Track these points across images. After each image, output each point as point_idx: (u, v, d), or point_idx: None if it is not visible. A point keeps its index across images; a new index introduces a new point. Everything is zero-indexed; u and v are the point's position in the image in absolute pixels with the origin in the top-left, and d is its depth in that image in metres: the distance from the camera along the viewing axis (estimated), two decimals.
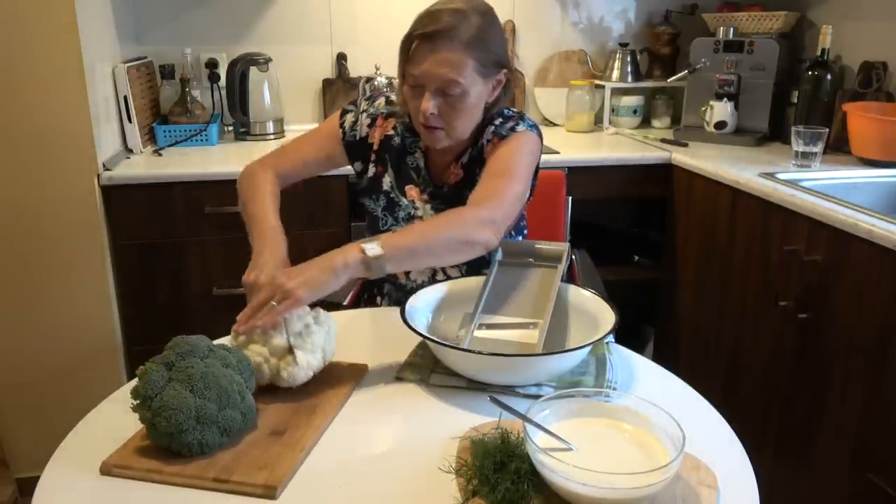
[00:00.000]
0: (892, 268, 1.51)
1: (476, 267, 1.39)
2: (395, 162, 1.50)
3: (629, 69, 2.68)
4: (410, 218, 1.48)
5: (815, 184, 1.89)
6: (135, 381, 0.97)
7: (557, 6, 2.73)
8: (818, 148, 2.03)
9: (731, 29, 2.46)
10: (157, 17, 2.50)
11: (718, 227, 2.11)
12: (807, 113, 2.22)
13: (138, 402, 0.94)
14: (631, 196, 2.46)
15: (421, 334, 1.11)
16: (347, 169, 1.56)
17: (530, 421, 0.89)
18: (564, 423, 0.93)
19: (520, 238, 1.53)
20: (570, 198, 1.96)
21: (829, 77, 2.19)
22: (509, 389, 1.09)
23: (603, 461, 0.85)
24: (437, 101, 1.32)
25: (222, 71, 2.46)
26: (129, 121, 2.20)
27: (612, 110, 2.73)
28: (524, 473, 0.85)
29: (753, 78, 2.40)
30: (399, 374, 1.16)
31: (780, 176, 1.96)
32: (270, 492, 0.88)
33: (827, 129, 2.07)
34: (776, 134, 2.42)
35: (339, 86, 2.62)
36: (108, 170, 2.00)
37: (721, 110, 2.41)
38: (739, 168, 2.05)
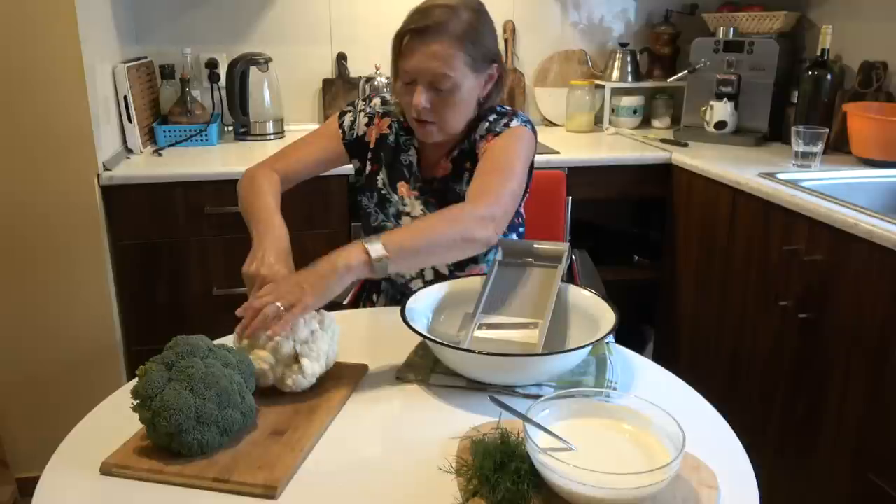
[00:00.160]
0: (892, 268, 1.51)
1: (461, 263, 1.41)
2: (389, 160, 1.51)
3: (629, 69, 2.68)
4: (400, 214, 1.50)
5: (815, 184, 1.89)
6: (135, 381, 0.97)
7: (557, 6, 2.73)
8: (818, 148, 2.03)
9: (731, 29, 2.46)
10: (157, 17, 2.50)
11: (718, 227, 2.11)
12: (807, 113, 2.22)
13: (138, 401, 0.94)
14: (631, 196, 2.46)
15: (421, 334, 1.11)
16: (347, 169, 1.57)
17: (530, 421, 0.89)
18: (564, 423, 0.93)
19: (514, 236, 1.54)
20: (570, 198, 1.96)
21: (829, 77, 2.19)
22: (509, 389, 1.10)
23: (603, 461, 0.85)
24: (428, 95, 1.34)
25: (222, 71, 2.46)
26: (129, 121, 2.20)
27: (612, 110, 2.73)
28: (524, 473, 0.85)
29: (753, 78, 2.39)
30: (399, 374, 1.16)
31: (780, 176, 1.96)
32: (270, 492, 0.88)
33: (827, 129, 2.07)
34: (776, 134, 2.42)
35: (339, 86, 2.62)
36: (108, 170, 2.00)
37: (721, 110, 2.41)
38: (739, 168, 2.05)
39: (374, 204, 1.53)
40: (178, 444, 0.92)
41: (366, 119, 1.52)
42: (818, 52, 2.19)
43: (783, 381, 1.86)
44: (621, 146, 2.45)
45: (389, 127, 1.51)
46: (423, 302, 1.24)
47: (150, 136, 2.36)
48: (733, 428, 1.03)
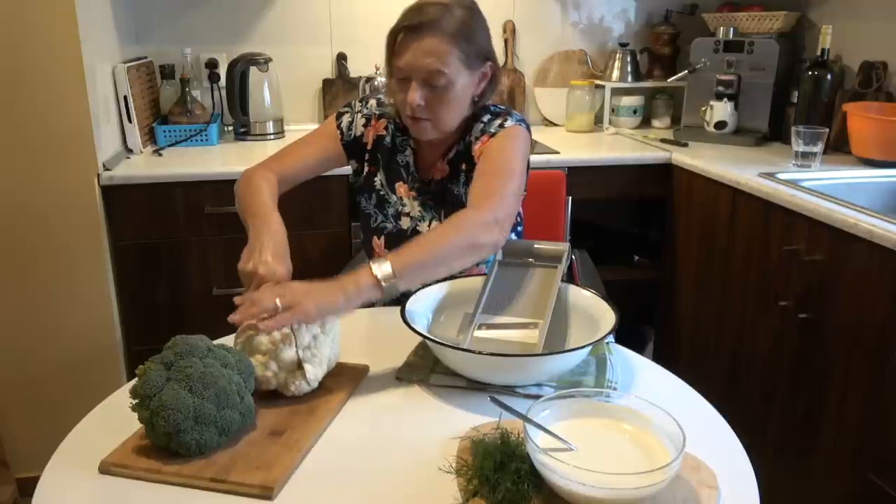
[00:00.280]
0: (892, 268, 1.51)
1: None
2: (386, 161, 1.51)
3: (629, 69, 2.68)
4: (399, 214, 1.50)
5: (815, 184, 1.89)
6: (135, 381, 0.97)
7: (557, 6, 2.73)
8: (818, 148, 2.03)
9: (731, 29, 2.46)
10: (157, 17, 2.50)
11: (718, 227, 2.11)
12: (807, 113, 2.22)
13: (137, 401, 0.94)
14: (631, 196, 2.46)
15: (421, 334, 1.11)
16: (347, 169, 1.57)
17: (530, 421, 0.89)
18: (564, 423, 0.93)
19: (513, 236, 1.54)
20: (570, 198, 1.96)
21: (829, 77, 2.19)
22: (509, 389, 1.09)
23: (603, 461, 0.85)
24: (423, 92, 1.34)
25: (222, 71, 2.46)
26: (129, 121, 2.20)
27: (612, 110, 2.73)
28: (524, 473, 0.85)
29: (753, 78, 2.39)
30: (399, 374, 1.16)
31: (780, 176, 1.96)
32: (267, 492, 0.88)
33: (827, 129, 2.07)
34: (776, 134, 2.42)
35: (339, 86, 2.62)
36: (108, 170, 2.00)
37: (721, 110, 2.41)
38: (739, 168, 2.05)
39: (372, 205, 1.53)
40: (177, 444, 0.92)
41: (363, 120, 1.52)
42: (818, 52, 2.19)
43: (783, 381, 1.86)
44: (621, 146, 2.45)
45: (386, 128, 1.51)
46: (423, 302, 1.24)
47: (150, 136, 2.36)
48: (733, 428, 1.03)
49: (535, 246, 1.33)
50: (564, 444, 0.88)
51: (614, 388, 1.10)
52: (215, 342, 1.06)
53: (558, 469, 0.81)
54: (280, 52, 2.55)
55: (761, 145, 2.39)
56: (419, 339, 1.15)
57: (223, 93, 2.46)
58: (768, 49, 2.35)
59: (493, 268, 1.31)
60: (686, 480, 0.88)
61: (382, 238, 1.52)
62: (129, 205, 2.04)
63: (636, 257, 2.55)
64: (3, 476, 2.07)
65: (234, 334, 1.11)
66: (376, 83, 2.47)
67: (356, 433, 1.02)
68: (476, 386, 1.11)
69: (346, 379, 1.13)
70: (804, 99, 2.23)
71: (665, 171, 2.33)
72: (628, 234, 2.70)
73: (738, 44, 2.41)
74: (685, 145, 2.39)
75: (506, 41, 2.71)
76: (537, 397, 0.99)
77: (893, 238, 1.49)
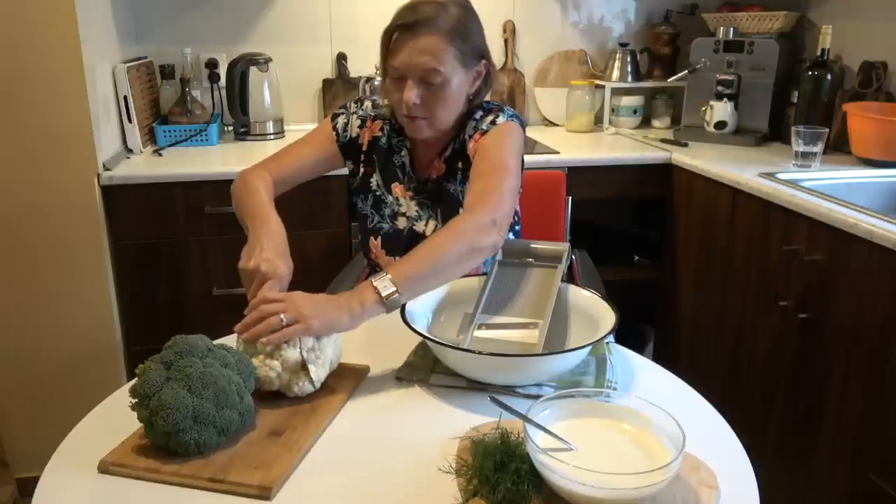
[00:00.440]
0: (892, 268, 1.51)
1: None
2: (382, 162, 1.51)
3: (629, 69, 2.68)
4: (395, 215, 1.50)
5: (815, 184, 1.89)
6: (134, 381, 0.97)
7: (557, 6, 2.73)
8: (818, 148, 2.03)
9: (731, 29, 2.46)
10: (157, 17, 2.50)
11: (718, 227, 2.11)
12: (807, 113, 2.22)
13: (136, 400, 0.94)
14: (631, 196, 2.46)
15: (421, 334, 1.11)
16: (347, 169, 1.56)
17: (530, 421, 0.89)
18: (564, 423, 0.93)
19: (511, 236, 1.54)
20: (570, 198, 1.96)
21: (829, 77, 2.19)
22: (509, 389, 1.09)
23: (603, 461, 0.85)
24: (419, 90, 1.34)
25: (222, 71, 2.46)
26: (129, 121, 2.20)
27: (612, 110, 2.73)
28: (524, 473, 0.85)
29: (753, 78, 2.39)
30: (399, 374, 1.16)
31: (780, 176, 1.96)
32: (265, 492, 0.88)
33: (827, 129, 2.07)
34: (776, 134, 2.42)
35: (339, 86, 2.62)
36: (108, 170, 2.00)
37: (721, 110, 2.41)
38: (739, 168, 2.05)
39: (369, 206, 1.53)
40: (175, 444, 0.92)
41: (358, 122, 1.52)
42: (818, 52, 2.19)
43: (783, 381, 1.86)
44: (621, 146, 2.45)
45: (381, 129, 1.52)
46: (423, 302, 1.23)
47: (150, 136, 2.36)
48: (733, 428, 1.03)
49: (535, 246, 1.32)
50: (564, 444, 0.88)
51: (614, 388, 1.10)
52: (215, 342, 1.06)
53: (558, 469, 0.81)
54: (280, 52, 2.55)
55: (761, 145, 2.39)
56: (419, 339, 1.15)
57: (223, 93, 2.46)
58: (768, 49, 2.35)
59: (493, 268, 1.31)
60: (686, 480, 0.88)
61: (379, 239, 1.52)
62: (129, 205, 2.04)
63: (636, 257, 2.55)
64: (3, 476, 2.07)
65: (236, 334, 1.11)
66: (376, 83, 2.47)
67: (356, 433, 1.02)
68: (476, 386, 1.11)
69: (347, 379, 1.13)
70: (804, 99, 2.23)
71: (665, 171, 2.33)
72: (628, 234, 2.70)
73: (738, 44, 2.41)
74: (685, 145, 2.39)
75: (506, 41, 2.71)
76: (537, 397, 0.99)
77: (893, 238, 1.49)
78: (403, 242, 1.49)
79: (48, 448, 0.99)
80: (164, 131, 2.34)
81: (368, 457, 0.97)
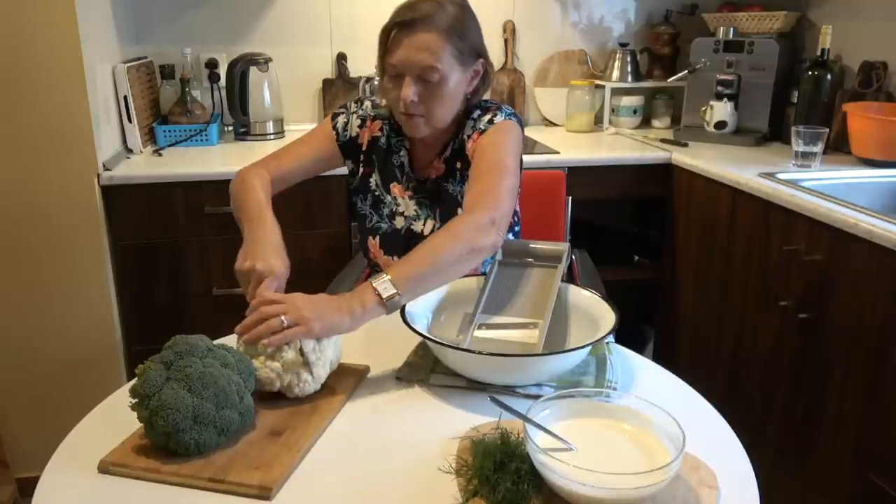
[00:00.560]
0: (892, 268, 1.51)
1: None
2: (381, 162, 1.52)
3: (629, 69, 2.68)
4: (394, 215, 1.51)
5: (815, 184, 1.89)
6: (135, 380, 0.97)
7: (557, 6, 2.73)
8: (818, 148, 2.03)
9: (731, 29, 2.46)
10: (157, 17, 2.50)
11: (718, 227, 2.11)
12: (807, 113, 2.22)
13: (136, 400, 0.94)
14: (631, 196, 2.46)
15: (421, 334, 1.11)
16: (347, 169, 1.57)
17: (530, 421, 0.89)
18: (564, 423, 0.93)
19: (511, 236, 1.54)
20: (570, 198, 1.96)
21: (829, 77, 2.19)
22: (509, 389, 1.09)
23: (603, 461, 0.85)
24: (416, 88, 1.34)
25: (222, 71, 2.46)
26: (129, 121, 2.20)
27: (612, 110, 2.73)
28: (524, 473, 0.85)
29: (753, 78, 2.39)
30: (399, 374, 1.16)
31: (780, 176, 1.96)
32: (265, 493, 0.88)
33: (827, 129, 2.07)
34: (776, 134, 2.41)
35: (339, 86, 2.62)
36: (108, 170, 2.00)
37: (721, 110, 2.41)
38: (739, 168, 2.05)
39: (368, 206, 1.53)
40: (175, 444, 0.92)
41: (358, 121, 1.53)
42: (818, 52, 2.19)
43: (783, 381, 1.86)
44: (621, 146, 2.45)
45: (381, 129, 1.52)
46: (423, 302, 1.23)
47: (150, 136, 2.36)
48: (733, 428, 1.03)
49: (535, 246, 1.32)
50: (564, 444, 0.88)
51: (614, 388, 1.10)
52: (215, 342, 1.06)
53: (558, 469, 0.81)
54: (280, 52, 2.55)
55: (761, 145, 2.39)
56: (419, 339, 1.15)
57: (223, 93, 2.46)
58: (768, 49, 2.35)
59: (493, 268, 1.31)
60: (686, 480, 0.88)
61: (377, 238, 1.52)
62: (129, 205, 2.04)
63: (636, 257, 2.55)
64: (3, 476, 2.07)
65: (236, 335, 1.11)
66: (376, 83, 2.47)
67: (356, 433, 1.02)
68: (476, 386, 1.11)
69: (347, 379, 1.13)
70: (804, 99, 2.23)
71: (665, 171, 2.33)
72: (628, 234, 2.70)
73: (738, 44, 2.41)
74: (685, 145, 2.39)
75: (506, 41, 2.71)
76: (537, 397, 0.99)
77: (893, 238, 1.49)
78: (401, 242, 1.49)
79: (48, 448, 0.99)
80: (164, 131, 2.34)
81: (368, 457, 0.97)
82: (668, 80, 2.61)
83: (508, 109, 1.45)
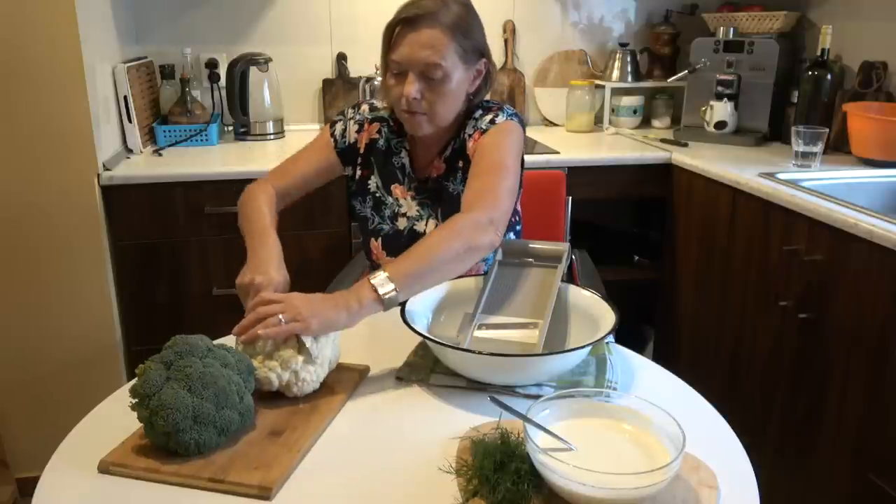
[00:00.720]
0: (892, 268, 1.51)
1: None
2: (380, 164, 1.52)
3: (629, 69, 2.68)
4: (396, 216, 1.51)
5: (815, 184, 1.89)
6: (135, 381, 0.97)
7: (557, 6, 2.73)
8: (818, 148, 2.03)
9: (731, 29, 2.46)
10: (157, 17, 2.50)
11: (718, 227, 2.11)
12: (807, 113, 2.22)
13: (136, 400, 0.94)
14: (631, 196, 2.46)
15: (421, 334, 1.11)
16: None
17: (530, 421, 0.88)
18: (564, 423, 0.92)
19: (511, 235, 1.54)
20: (570, 198, 1.96)
21: (829, 77, 2.19)
22: (509, 389, 1.09)
23: (603, 461, 0.85)
24: (419, 85, 1.34)
25: (222, 71, 2.46)
26: (129, 121, 2.20)
27: (612, 110, 2.73)
28: (524, 473, 0.85)
29: (753, 78, 2.39)
30: (399, 374, 1.16)
31: (780, 176, 1.96)
32: (265, 493, 0.88)
33: (827, 129, 2.07)
34: (776, 134, 2.42)
35: (339, 86, 2.62)
36: (108, 170, 2.00)
37: (721, 110, 2.41)
38: (739, 168, 2.05)
39: (369, 208, 1.53)
40: (175, 444, 0.92)
41: (356, 126, 1.53)
42: (818, 52, 2.19)
43: (783, 381, 1.86)
44: (621, 146, 2.45)
45: (379, 132, 1.52)
46: (423, 302, 1.23)
47: (150, 136, 2.36)
48: (733, 428, 1.03)
49: (535, 246, 1.32)
50: (564, 444, 0.88)
51: (614, 388, 1.10)
52: (215, 342, 1.06)
53: (558, 469, 0.81)
54: (280, 52, 2.55)
55: (761, 145, 2.39)
56: (419, 339, 1.15)
57: (223, 93, 2.46)
58: (768, 49, 2.35)
59: (493, 267, 1.31)
60: (686, 480, 0.88)
61: (380, 240, 1.52)
62: (129, 205, 2.04)
63: (636, 257, 2.55)
64: (3, 476, 2.07)
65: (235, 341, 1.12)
66: (376, 83, 2.47)
67: (356, 433, 1.02)
68: (476, 386, 1.11)
69: (347, 379, 1.13)
70: (804, 99, 2.23)
71: (665, 171, 2.33)
72: (628, 234, 2.70)
73: (738, 44, 2.41)
74: (685, 145, 2.39)
75: (506, 41, 2.71)
76: (537, 397, 0.99)
77: (893, 238, 1.49)
78: (404, 243, 1.48)
79: (48, 448, 0.99)
80: (164, 131, 2.34)
81: (368, 457, 0.97)
82: (668, 80, 2.61)
83: (510, 110, 1.45)
